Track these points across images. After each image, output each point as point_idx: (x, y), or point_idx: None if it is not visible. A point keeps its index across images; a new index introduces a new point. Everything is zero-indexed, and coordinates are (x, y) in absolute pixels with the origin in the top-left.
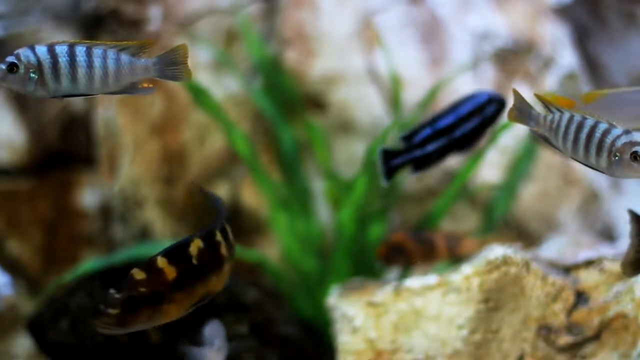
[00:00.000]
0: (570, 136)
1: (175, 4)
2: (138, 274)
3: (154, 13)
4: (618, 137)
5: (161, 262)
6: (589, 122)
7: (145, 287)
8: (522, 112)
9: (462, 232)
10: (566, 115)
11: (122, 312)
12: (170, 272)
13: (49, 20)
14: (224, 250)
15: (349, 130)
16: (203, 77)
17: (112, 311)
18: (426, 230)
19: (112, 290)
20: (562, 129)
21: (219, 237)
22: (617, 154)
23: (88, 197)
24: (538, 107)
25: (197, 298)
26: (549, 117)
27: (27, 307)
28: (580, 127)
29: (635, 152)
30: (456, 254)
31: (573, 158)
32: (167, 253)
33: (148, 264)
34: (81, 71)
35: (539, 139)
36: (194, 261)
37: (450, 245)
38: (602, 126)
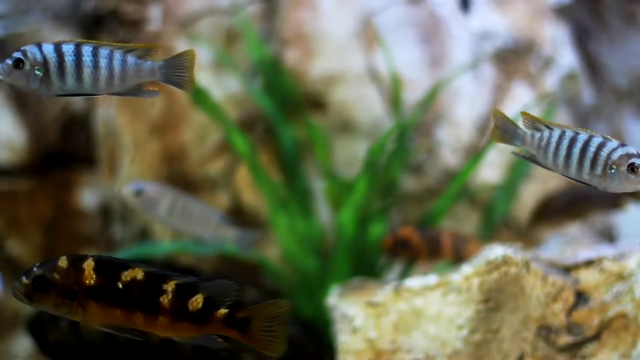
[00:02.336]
0: (562, 152)
1: (175, 4)
2: (62, 262)
3: (154, 13)
4: (614, 149)
5: (89, 264)
6: (582, 136)
7: (60, 276)
8: (507, 132)
9: (469, 234)
10: (557, 132)
11: (31, 286)
12: (90, 278)
13: (49, 20)
14: (167, 300)
15: (349, 130)
16: (203, 77)
17: (24, 280)
18: (433, 228)
19: (37, 263)
20: (553, 145)
21: (170, 287)
22: (613, 166)
23: (88, 197)
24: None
25: (114, 321)
26: (537, 134)
27: (27, 307)
28: (573, 141)
29: (632, 164)
30: (461, 254)
31: (564, 174)
32: (101, 261)
33: (78, 260)
34: (87, 71)
35: (522, 159)
36: (120, 285)
37: (456, 245)
38: (597, 140)
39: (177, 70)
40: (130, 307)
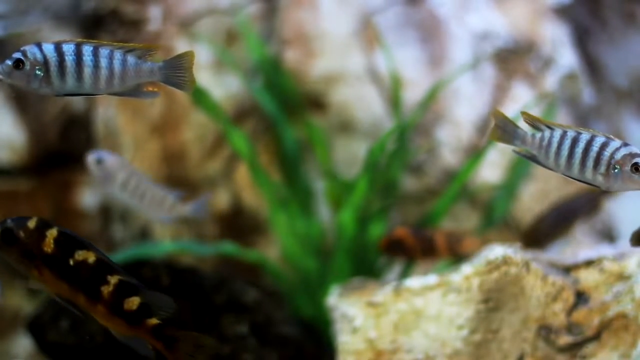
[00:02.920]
0: (564, 152)
1: (175, 4)
2: (31, 223)
3: (154, 13)
4: (617, 149)
5: (52, 233)
6: (585, 136)
7: (24, 235)
8: (507, 132)
9: (464, 231)
10: (558, 132)
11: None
12: (48, 247)
13: (49, 20)
14: (107, 291)
15: (349, 130)
16: (203, 76)
17: None
18: (427, 227)
19: (14, 217)
20: (555, 145)
21: (114, 280)
22: (617, 166)
23: (88, 197)
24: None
25: (62, 293)
26: (538, 134)
27: (27, 307)
28: (575, 141)
29: (636, 163)
30: (457, 252)
31: (566, 175)
32: (64, 234)
33: (45, 225)
34: (87, 71)
35: (523, 157)
36: (71, 262)
37: (450, 243)
38: (600, 139)
39: (177, 71)
40: (75, 286)
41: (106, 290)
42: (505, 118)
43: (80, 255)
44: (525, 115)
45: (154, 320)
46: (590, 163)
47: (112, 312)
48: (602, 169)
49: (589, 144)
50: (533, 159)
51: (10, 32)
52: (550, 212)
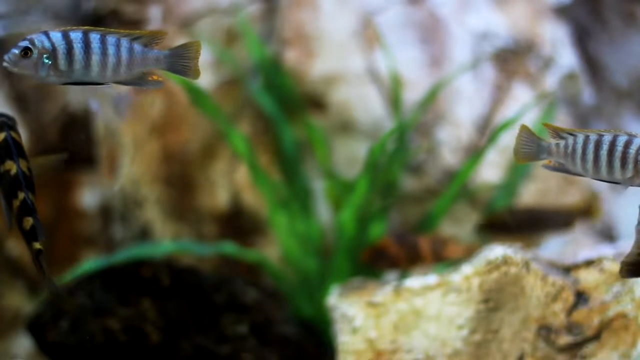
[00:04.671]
0: (590, 156)
1: (175, 4)
2: None
3: (154, 13)
4: None
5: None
6: (607, 137)
7: None
8: (531, 148)
9: (448, 236)
10: (581, 137)
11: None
12: None
13: (49, 20)
14: (15, 205)
15: (349, 130)
16: (203, 76)
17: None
18: (411, 233)
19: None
20: (579, 151)
21: (21, 196)
22: None
23: (88, 197)
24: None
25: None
26: (562, 143)
27: (27, 307)
28: (599, 144)
29: None
30: (441, 257)
31: (595, 178)
32: (5, 143)
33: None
34: (95, 58)
35: (553, 170)
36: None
37: (435, 248)
38: (622, 139)
39: (183, 60)
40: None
41: (15, 204)
42: (530, 132)
43: (6, 165)
44: (547, 126)
45: (37, 245)
46: (617, 163)
47: (18, 225)
48: (630, 167)
49: (612, 144)
50: (562, 169)
51: (10, 32)
52: (525, 211)
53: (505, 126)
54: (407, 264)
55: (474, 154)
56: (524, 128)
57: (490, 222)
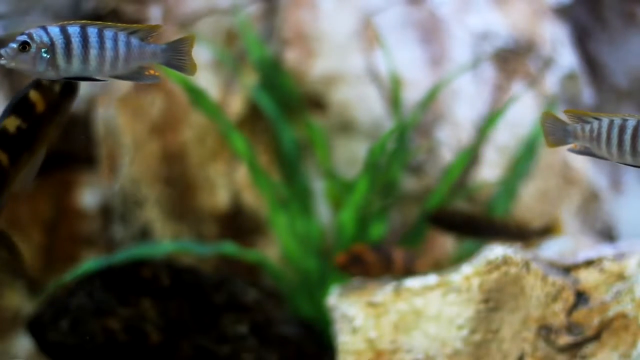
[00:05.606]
0: (614, 140)
1: (175, 4)
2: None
3: (154, 13)
4: None
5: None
6: (631, 122)
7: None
8: (558, 132)
9: (419, 251)
10: (605, 121)
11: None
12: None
13: (49, 20)
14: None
15: (349, 130)
16: (203, 76)
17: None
18: (386, 244)
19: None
20: (604, 135)
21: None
22: None
23: (88, 197)
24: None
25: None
26: (587, 127)
27: (27, 307)
28: (622, 129)
29: None
30: (411, 270)
31: (620, 162)
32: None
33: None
34: (93, 52)
35: (579, 154)
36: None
37: (406, 261)
38: None
39: (179, 54)
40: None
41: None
42: (555, 118)
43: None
44: (569, 112)
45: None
46: None
47: None
48: None
49: (636, 129)
50: (587, 152)
51: (10, 32)
52: (469, 216)
53: (492, 120)
54: (379, 272)
55: (465, 150)
56: (547, 114)
57: (436, 216)
